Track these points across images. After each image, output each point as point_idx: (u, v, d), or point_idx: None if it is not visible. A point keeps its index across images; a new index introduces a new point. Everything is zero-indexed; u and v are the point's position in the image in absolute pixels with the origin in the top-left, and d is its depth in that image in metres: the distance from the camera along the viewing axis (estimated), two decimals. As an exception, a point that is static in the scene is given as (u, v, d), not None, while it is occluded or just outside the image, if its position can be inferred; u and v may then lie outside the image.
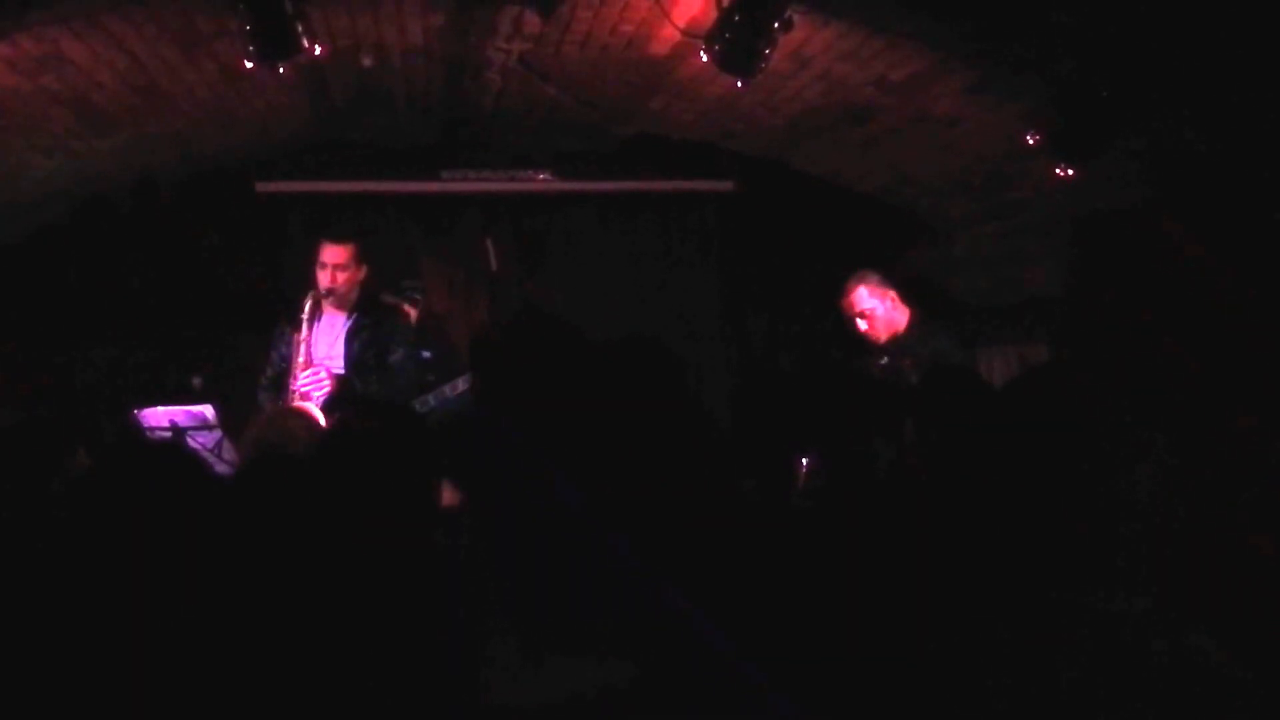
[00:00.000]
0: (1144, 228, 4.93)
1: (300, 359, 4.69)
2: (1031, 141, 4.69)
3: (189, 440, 4.40)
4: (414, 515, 2.02)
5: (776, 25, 4.13)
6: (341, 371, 4.75)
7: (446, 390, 5.02)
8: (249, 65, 4.12)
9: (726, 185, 6.38)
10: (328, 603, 1.70)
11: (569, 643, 1.11)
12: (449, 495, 3.04)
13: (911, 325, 4.80)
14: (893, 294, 4.82)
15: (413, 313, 5.40)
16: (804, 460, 4.36)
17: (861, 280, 4.83)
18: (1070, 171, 4.67)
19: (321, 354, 4.78)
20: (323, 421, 4.02)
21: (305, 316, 4.73)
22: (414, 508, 2.04)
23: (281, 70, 4.20)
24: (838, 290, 5.01)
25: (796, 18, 4.17)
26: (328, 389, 4.63)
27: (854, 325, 4.85)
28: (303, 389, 4.63)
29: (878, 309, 4.78)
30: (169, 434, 4.46)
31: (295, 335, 4.73)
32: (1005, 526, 1.88)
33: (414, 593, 1.63)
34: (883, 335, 4.79)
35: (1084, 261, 5.35)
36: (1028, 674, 1.65)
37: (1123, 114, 4.46)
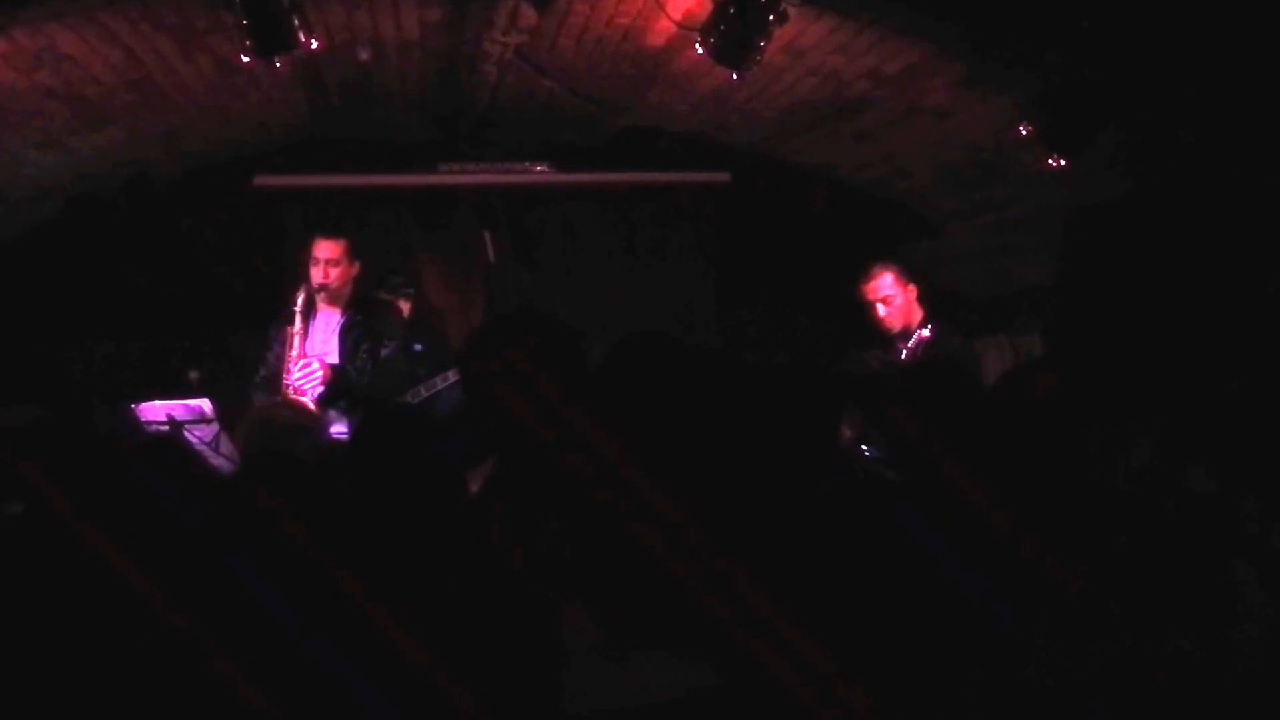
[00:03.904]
0: (1134, 219, 4.96)
1: (294, 352, 4.69)
2: (1024, 132, 4.71)
3: (186, 434, 4.41)
4: (450, 508, 2.00)
5: (771, 18, 4.15)
6: (335, 362, 4.76)
7: (438, 381, 5.05)
8: (245, 60, 4.13)
9: (722, 177, 6.39)
10: (382, 598, 1.68)
11: (652, 640, 1.06)
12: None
13: (923, 321, 4.80)
14: (914, 288, 4.78)
15: (405, 307, 5.41)
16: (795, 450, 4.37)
17: (887, 267, 4.77)
18: (1062, 162, 4.69)
19: (316, 350, 4.79)
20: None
21: (299, 310, 4.73)
22: (445, 501, 2.03)
23: (277, 65, 4.22)
24: (832, 282, 5.01)
25: (791, 11, 4.19)
26: (320, 381, 4.64)
27: (871, 311, 4.78)
28: (296, 383, 4.63)
29: (897, 298, 4.73)
30: (166, 428, 4.48)
31: (289, 329, 4.73)
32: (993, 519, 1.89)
33: (482, 589, 1.60)
34: (897, 325, 4.75)
35: (1075, 253, 5.38)
36: (1011, 672, 1.66)
37: (1113, 105, 4.49)
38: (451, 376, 5.02)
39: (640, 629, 1.00)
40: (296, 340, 4.69)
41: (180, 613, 1.77)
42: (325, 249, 4.76)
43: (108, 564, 1.85)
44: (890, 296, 4.74)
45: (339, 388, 4.66)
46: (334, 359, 4.77)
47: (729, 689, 1.01)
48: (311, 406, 4.43)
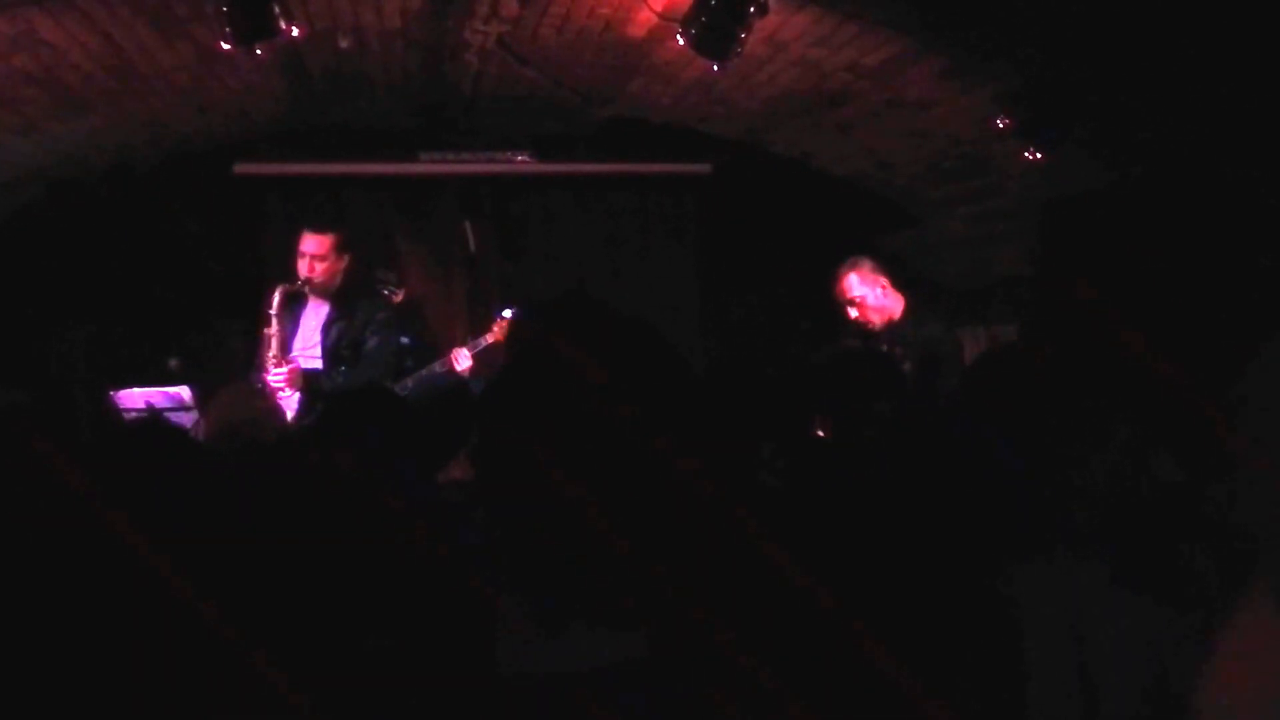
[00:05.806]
0: (1111, 210, 4.99)
1: (271, 354, 4.67)
2: (1001, 125, 4.74)
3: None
4: (409, 487, 2.02)
5: (752, 9, 4.17)
6: (316, 364, 4.75)
7: (424, 373, 5.06)
8: (225, 47, 4.13)
9: (704, 168, 6.41)
10: (330, 575, 1.70)
11: (585, 612, 1.08)
12: (461, 469, 3.08)
13: (906, 312, 4.80)
14: (884, 281, 4.79)
15: (396, 298, 5.42)
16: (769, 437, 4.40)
17: (853, 267, 4.79)
18: (1039, 155, 4.72)
19: (301, 344, 4.78)
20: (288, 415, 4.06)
21: (274, 311, 4.70)
22: (407, 480, 2.05)
23: (258, 52, 4.21)
24: (813, 273, 5.03)
25: (771, 2, 4.20)
26: (285, 382, 4.61)
27: (845, 312, 4.82)
28: (274, 383, 4.63)
29: (868, 297, 4.75)
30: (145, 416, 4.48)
31: (265, 330, 4.70)
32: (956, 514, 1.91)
33: (421, 564, 1.62)
34: (877, 322, 4.76)
35: (1051, 243, 5.41)
36: (979, 664, 1.68)
37: (1091, 97, 4.52)
38: (438, 368, 5.04)
39: (572, 607, 1.02)
40: (273, 342, 4.66)
41: (166, 589, 1.79)
42: (312, 243, 4.73)
43: (93, 545, 1.86)
44: (860, 297, 4.76)
45: (313, 392, 4.64)
46: (316, 352, 4.77)
47: (659, 659, 1.03)
48: (282, 405, 4.43)
